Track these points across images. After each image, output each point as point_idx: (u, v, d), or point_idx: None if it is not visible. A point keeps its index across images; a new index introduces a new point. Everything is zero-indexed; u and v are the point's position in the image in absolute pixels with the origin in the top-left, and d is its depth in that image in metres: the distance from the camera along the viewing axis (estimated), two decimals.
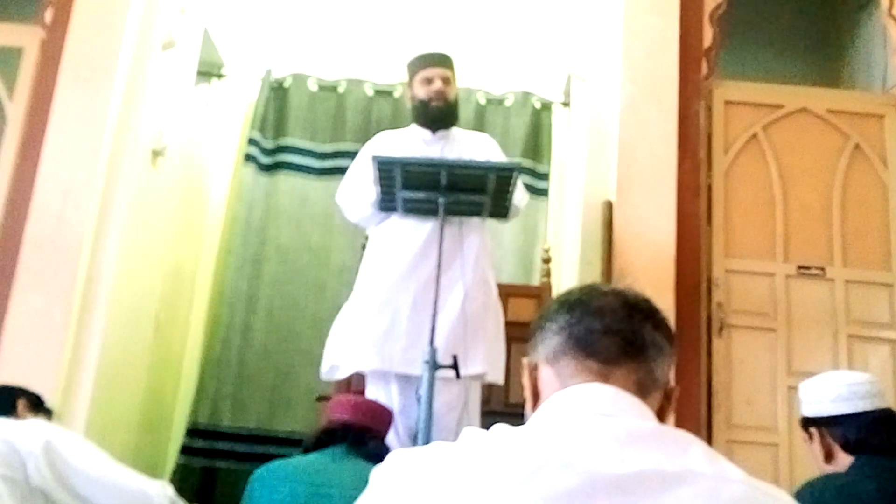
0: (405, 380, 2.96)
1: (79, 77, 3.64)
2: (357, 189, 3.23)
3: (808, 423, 2.06)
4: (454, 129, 3.34)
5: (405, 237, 3.09)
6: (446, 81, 3.24)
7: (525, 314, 4.06)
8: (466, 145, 3.30)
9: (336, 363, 3.12)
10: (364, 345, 3.02)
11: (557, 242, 4.88)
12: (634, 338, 1.01)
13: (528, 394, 1.07)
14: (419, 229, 3.07)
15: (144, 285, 4.04)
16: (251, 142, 5.13)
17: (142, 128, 3.79)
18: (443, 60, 3.29)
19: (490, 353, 3.06)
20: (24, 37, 3.78)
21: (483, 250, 3.17)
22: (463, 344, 2.91)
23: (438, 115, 3.24)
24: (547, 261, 4.40)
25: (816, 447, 2.03)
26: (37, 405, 2.35)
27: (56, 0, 3.75)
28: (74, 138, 3.58)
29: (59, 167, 3.55)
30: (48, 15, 3.75)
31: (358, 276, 3.27)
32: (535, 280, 4.75)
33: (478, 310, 3.06)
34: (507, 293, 3.85)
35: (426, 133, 3.27)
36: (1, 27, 3.86)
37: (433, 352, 2.64)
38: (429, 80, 3.23)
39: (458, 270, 3.02)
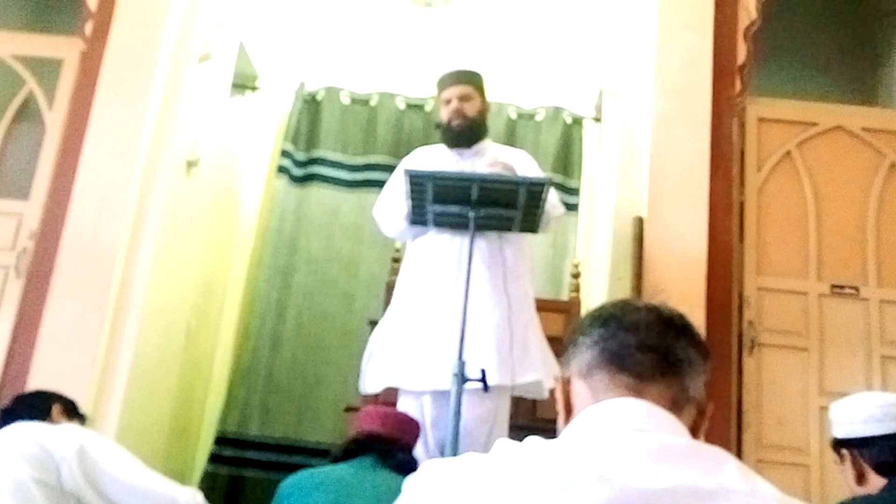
0: (440, 393, 2.96)
1: (117, 88, 3.70)
2: (392, 203, 3.25)
3: (839, 444, 2.04)
4: (489, 145, 3.34)
5: (441, 252, 3.09)
6: (465, 98, 3.23)
7: (554, 329, 4.04)
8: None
9: (376, 381, 3.13)
10: (401, 364, 3.02)
11: (587, 258, 4.86)
12: (668, 353, 1.01)
13: (560, 407, 1.07)
14: (454, 243, 3.07)
15: (177, 294, 4.09)
16: (284, 154, 5.17)
17: (177, 139, 3.85)
18: (460, 78, 3.27)
19: (545, 360, 3.05)
20: (65, 49, 3.86)
21: (524, 261, 3.18)
22: (510, 356, 2.91)
23: (460, 134, 3.25)
24: (576, 276, 4.38)
25: (848, 469, 2.00)
26: (71, 411, 2.39)
27: (96, 13, 3.82)
28: (111, 148, 3.63)
29: (96, 177, 3.60)
30: (88, 27, 3.82)
31: (395, 290, 3.28)
32: (564, 295, 4.74)
33: (527, 321, 3.06)
34: (537, 308, 3.84)
35: (451, 152, 3.28)
36: (42, 39, 3.95)
37: (461, 365, 2.64)
38: (447, 101, 3.24)
39: (501, 283, 3.02)
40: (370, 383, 3.15)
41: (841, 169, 3.73)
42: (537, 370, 3.01)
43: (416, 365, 2.98)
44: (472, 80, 3.29)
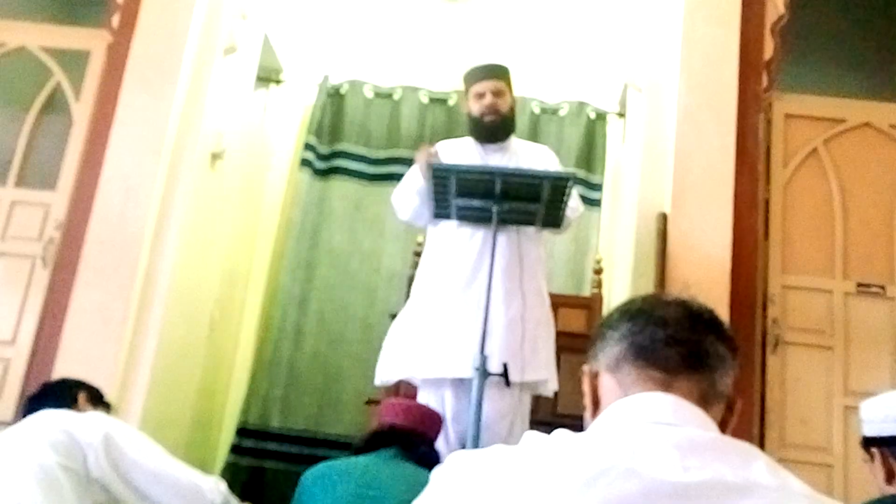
0: (460, 385, 2.97)
1: (143, 80, 3.73)
2: (406, 184, 3.25)
3: (869, 443, 2.02)
4: (513, 140, 3.34)
5: (462, 244, 3.10)
6: (498, 94, 3.23)
7: (575, 325, 4.04)
8: (524, 157, 3.29)
9: (390, 371, 3.13)
10: (419, 354, 3.03)
11: (609, 253, 4.85)
12: (697, 348, 1.00)
13: (587, 401, 1.07)
14: (475, 237, 3.08)
15: (201, 285, 4.11)
16: (307, 147, 5.19)
17: (202, 131, 3.87)
18: (494, 72, 3.27)
19: (550, 361, 3.06)
20: (92, 40, 3.89)
21: (539, 262, 3.18)
22: (521, 353, 2.91)
23: (492, 129, 3.24)
24: (599, 272, 4.37)
25: (878, 468, 1.98)
26: (97, 399, 2.41)
27: (123, 5, 3.85)
28: (137, 139, 3.66)
29: (122, 168, 3.63)
30: (115, 20, 3.85)
31: (414, 281, 3.29)
32: (586, 291, 4.72)
33: (538, 319, 3.07)
34: (558, 303, 3.83)
35: (480, 146, 3.27)
36: (70, 31, 3.98)
37: (483, 359, 2.65)
38: (480, 95, 3.23)
39: (517, 280, 3.02)
40: (385, 373, 3.15)
41: (868, 166, 3.69)
42: (545, 369, 3.02)
43: (435, 353, 2.98)
44: (504, 75, 3.29)
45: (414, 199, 3.18)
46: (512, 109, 3.30)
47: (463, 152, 3.27)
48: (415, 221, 3.32)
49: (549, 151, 3.41)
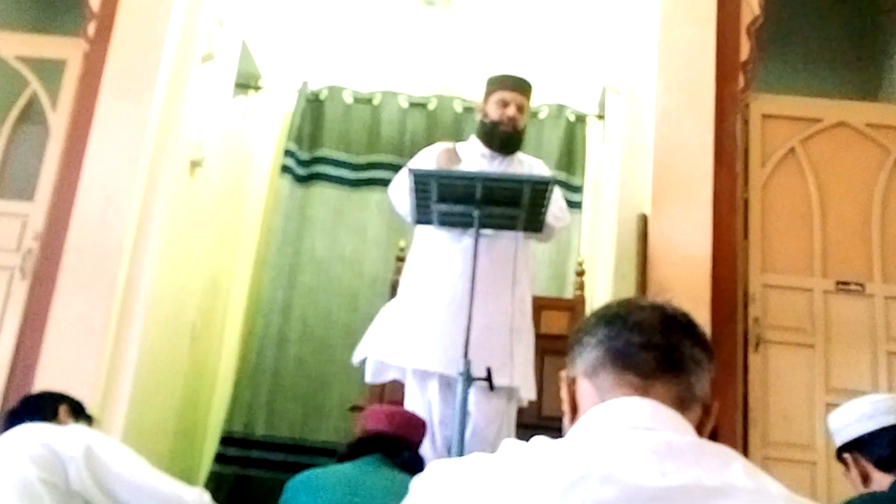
0: (447, 388, 2.96)
1: (120, 89, 3.71)
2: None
3: (841, 451, 2.05)
4: (518, 154, 3.34)
5: (449, 250, 3.09)
6: (521, 109, 3.22)
7: (558, 327, 4.05)
8: (525, 169, 3.29)
9: (372, 351, 3.11)
10: (409, 343, 3.02)
11: (591, 255, 4.86)
12: (673, 352, 1.01)
13: (566, 407, 1.07)
14: (463, 240, 3.06)
15: (182, 293, 4.09)
16: (287, 153, 5.18)
17: (181, 138, 3.85)
18: (523, 86, 3.26)
19: (526, 370, 3.07)
20: (68, 49, 3.87)
21: (527, 270, 3.18)
22: (511, 358, 2.91)
23: (505, 139, 3.23)
24: (581, 273, 4.39)
25: (853, 473, 2.01)
26: (78, 411, 2.39)
27: (99, 14, 3.82)
28: (115, 148, 3.64)
29: (101, 176, 3.61)
30: (91, 28, 3.82)
31: (402, 281, 3.28)
32: (569, 293, 4.74)
33: (525, 327, 3.09)
34: (541, 306, 3.84)
35: (486, 150, 3.26)
36: (45, 40, 3.96)
37: (467, 364, 2.65)
38: (504, 104, 3.21)
39: (509, 287, 3.03)
40: (365, 352, 3.13)
41: (845, 165, 3.72)
42: (521, 377, 3.02)
43: (424, 347, 2.97)
44: (530, 93, 3.29)
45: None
46: (525, 129, 3.30)
47: (470, 158, 3.25)
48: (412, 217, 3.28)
49: (542, 165, 3.41)
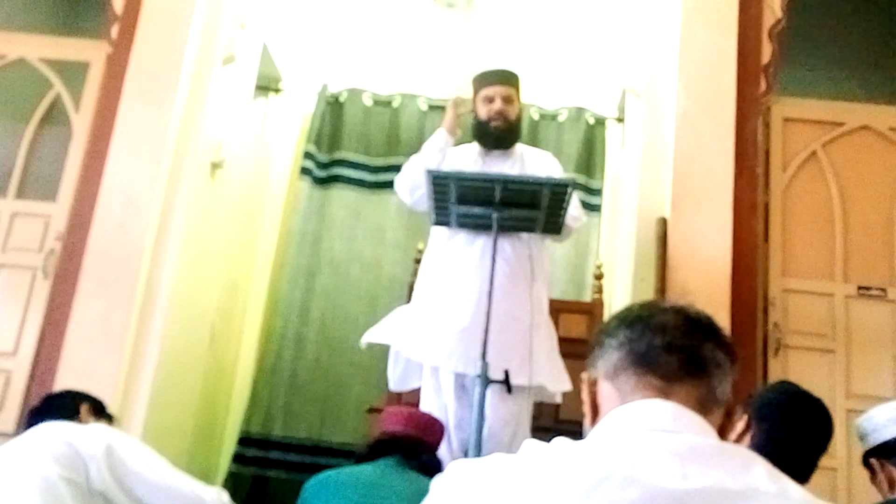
0: (461, 389, 2.96)
1: (142, 91, 3.74)
2: (412, 166, 3.22)
3: (867, 456, 2.02)
4: (517, 146, 3.33)
5: (466, 251, 3.09)
6: (507, 100, 3.21)
7: (576, 330, 4.04)
8: (528, 163, 3.28)
9: (386, 336, 3.11)
10: (426, 339, 3.01)
11: (610, 259, 4.85)
12: (695, 355, 1.01)
13: (587, 409, 1.07)
14: (477, 243, 3.06)
15: (201, 295, 4.12)
16: (307, 155, 5.20)
17: (202, 140, 3.88)
18: (505, 78, 3.25)
19: (551, 364, 3.05)
20: (91, 52, 3.90)
21: (545, 271, 3.17)
22: (529, 359, 2.90)
23: (498, 135, 3.22)
24: (599, 277, 4.37)
25: (881, 478, 1.98)
26: (99, 410, 2.41)
27: (122, 16, 3.85)
28: (137, 150, 3.67)
29: (122, 179, 3.64)
30: (114, 31, 3.85)
31: (417, 279, 3.27)
32: (587, 296, 4.72)
33: (540, 321, 3.07)
34: (559, 309, 3.84)
35: (482, 149, 3.27)
36: (69, 42, 3.99)
37: (485, 366, 2.64)
38: (489, 99, 3.21)
39: (527, 288, 3.02)
40: (378, 336, 3.12)
41: (867, 169, 3.69)
42: (547, 375, 3.01)
43: (441, 343, 2.96)
44: (515, 82, 3.27)
45: (420, 180, 3.04)
46: (519, 117, 3.29)
47: (466, 157, 3.26)
48: (418, 206, 3.25)
49: (552, 158, 3.40)
